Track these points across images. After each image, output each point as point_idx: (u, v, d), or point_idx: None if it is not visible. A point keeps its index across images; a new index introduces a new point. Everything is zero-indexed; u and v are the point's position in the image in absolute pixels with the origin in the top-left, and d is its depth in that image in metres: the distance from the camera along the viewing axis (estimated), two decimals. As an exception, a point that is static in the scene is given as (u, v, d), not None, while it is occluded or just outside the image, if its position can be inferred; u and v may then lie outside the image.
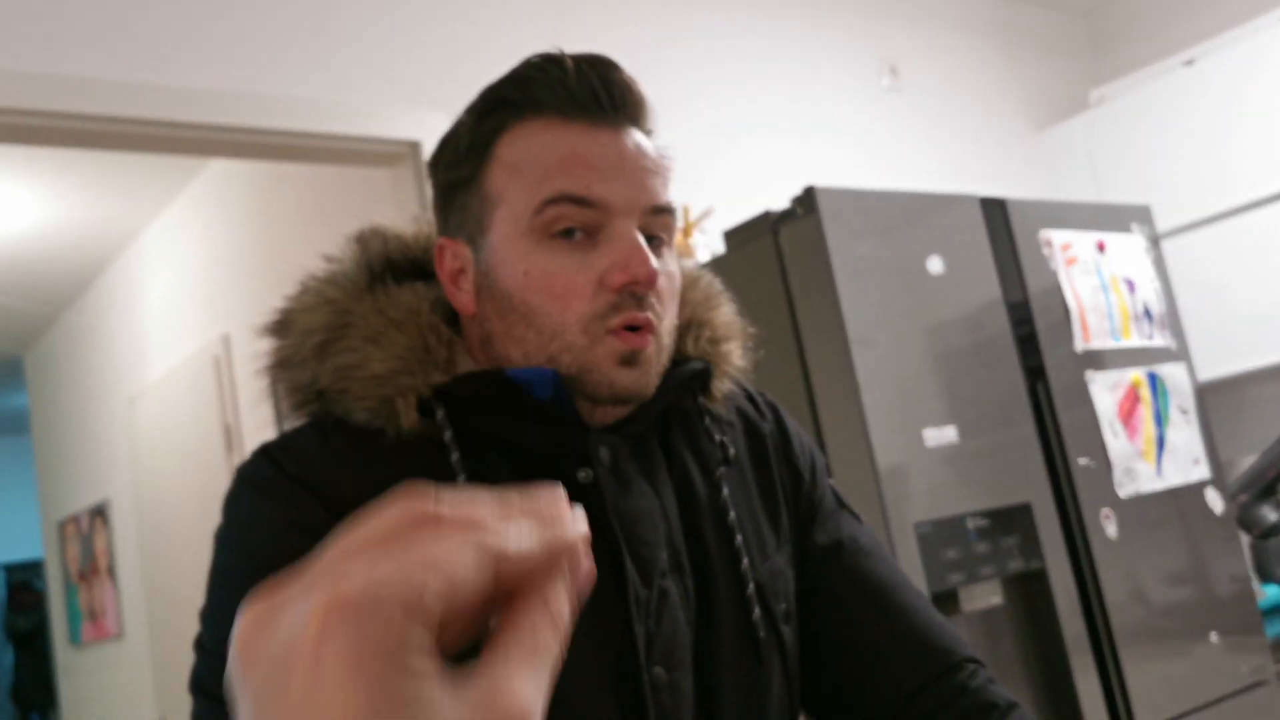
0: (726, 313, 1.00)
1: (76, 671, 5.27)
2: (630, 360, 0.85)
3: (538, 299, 0.85)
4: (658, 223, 0.87)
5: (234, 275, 3.81)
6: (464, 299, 0.89)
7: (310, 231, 3.27)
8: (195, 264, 4.10)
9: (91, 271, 4.78)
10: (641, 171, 0.86)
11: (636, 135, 0.88)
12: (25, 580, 7.75)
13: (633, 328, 0.85)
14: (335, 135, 2.33)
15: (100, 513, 4.83)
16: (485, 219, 0.87)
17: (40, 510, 5.62)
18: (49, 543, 5.51)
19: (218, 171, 3.90)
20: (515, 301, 0.85)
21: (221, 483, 3.86)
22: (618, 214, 0.84)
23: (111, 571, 4.74)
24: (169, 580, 4.08)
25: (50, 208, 4.10)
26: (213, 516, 0.86)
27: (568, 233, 0.84)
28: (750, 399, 1.05)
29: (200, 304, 4.04)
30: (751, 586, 0.91)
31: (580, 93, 0.85)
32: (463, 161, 0.88)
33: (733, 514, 0.93)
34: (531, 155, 0.85)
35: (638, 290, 0.84)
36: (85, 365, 5.02)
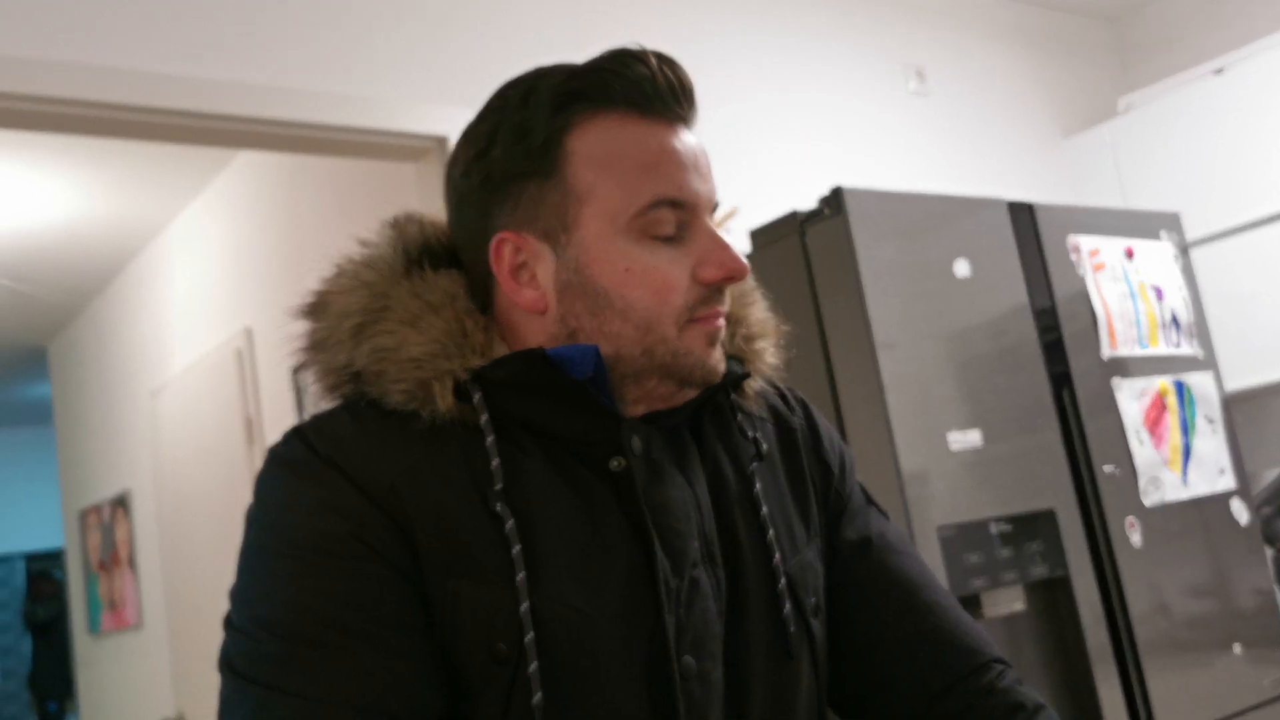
0: (761, 309, 1.01)
1: (94, 661, 5.31)
2: (713, 341, 0.89)
3: (637, 294, 0.86)
4: (712, 218, 0.90)
5: (258, 269, 3.83)
6: (531, 295, 0.88)
7: (334, 226, 3.29)
8: (220, 257, 4.12)
9: (117, 263, 4.82)
10: (708, 169, 0.90)
11: (694, 132, 0.91)
12: (45, 570, 7.80)
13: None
14: (363, 129, 2.33)
15: (121, 503, 4.86)
16: (570, 215, 0.86)
17: (61, 500, 5.66)
18: (69, 532, 5.54)
19: (243, 166, 3.92)
20: (612, 298, 0.86)
21: (242, 475, 3.87)
22: (700, 211, 0.88)
23: (132, 561, 4.76)
24: (188, 571, 4.10)
25: (78, 199, 4.13)
26: (233, 509, 0.86)
27: (662, 231, 0.86)
28: (780, 395, 1.05)
29: (224, 297, 4.06)
30: (783, 581, 0.91)
31: (661, 90, 0.87)
32: (535, 153, 0.87)
33: (765, 509, 0.93)
34: (620, 152, 0.86)
35: (731, 284, 0.88)
36: (108, 356, 5.06)
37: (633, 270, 0.85)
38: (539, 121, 0.86)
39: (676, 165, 0.86)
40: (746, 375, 0.95)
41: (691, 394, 0.90)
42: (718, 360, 0.89)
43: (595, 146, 0.86)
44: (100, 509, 5.11)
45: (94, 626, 5.21)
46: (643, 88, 0.86)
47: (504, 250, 0.88)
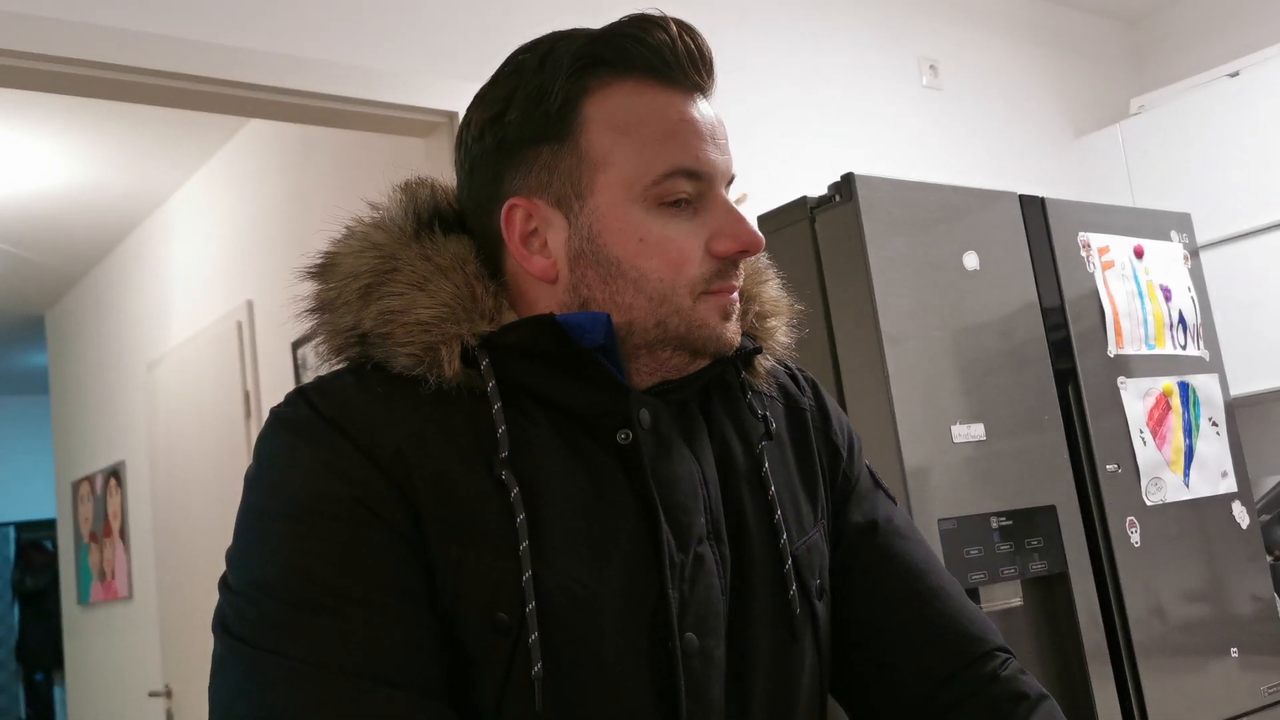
0: (774, 288, 1.00)
1: (82, 631, 5.30)
2: (728, 314, 0.87)
3: (651, 265, 0.84)
4: (729, 191, 0.89)
5: (261, 242, 3.81)
6: (541, 264, 0.87)
7: (340, 201, 3.26)
8: (223, 229, 4.10)
9: (119, 232, 4.79)
10: (725, 140, 0.88)
11: (711, 103, 0.89)
12: (36, 540, 7.79)
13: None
14: (374, 102, 2.31)
15: (115, 474, 4.85)
16: (584, 181, 0.85)
17: (55, 470, 5.64)
18: (62, 502, 5.53)
19: (249, 138, 3.90)
20: (625, 267, 0.84)
21: (239, 449, 3.84)
22: (716, 182, 0.86)
23: (124, 533, 4.75)
24: (181, 545, 4.09)
25: (82, 165, 4.11)
26: (229, 483, 0.85)
27: (677, 201, 0.85)
28: (791, 375, 1.03)
29: (226, 269, 4.04)
30: (789, 563, 0.90)
31: (683, 58, 0.85)
32: (551, 117, 0.85)
33: (773, 488, 0.91)
34: (637, 119, 0.84)
35: (745, 257, 0.87)
36: (107, 326, 5.04)
37: (647, 240, 0.84)
38: (556, 85, 0.85)
39: (694, 134, 0.85)
40: (758, 350, 0.94)
41: (705, 363, 0.89)
42: (734, 333, 0.88)
43: (613, 113, 0.84)
44: (93, 479, 5.09)
45: (84, 597, 5.20)
46: (662, 54, 0.84)
47: (515, 216, 0.87)
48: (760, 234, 0.87)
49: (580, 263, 0.86)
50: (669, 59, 0.85)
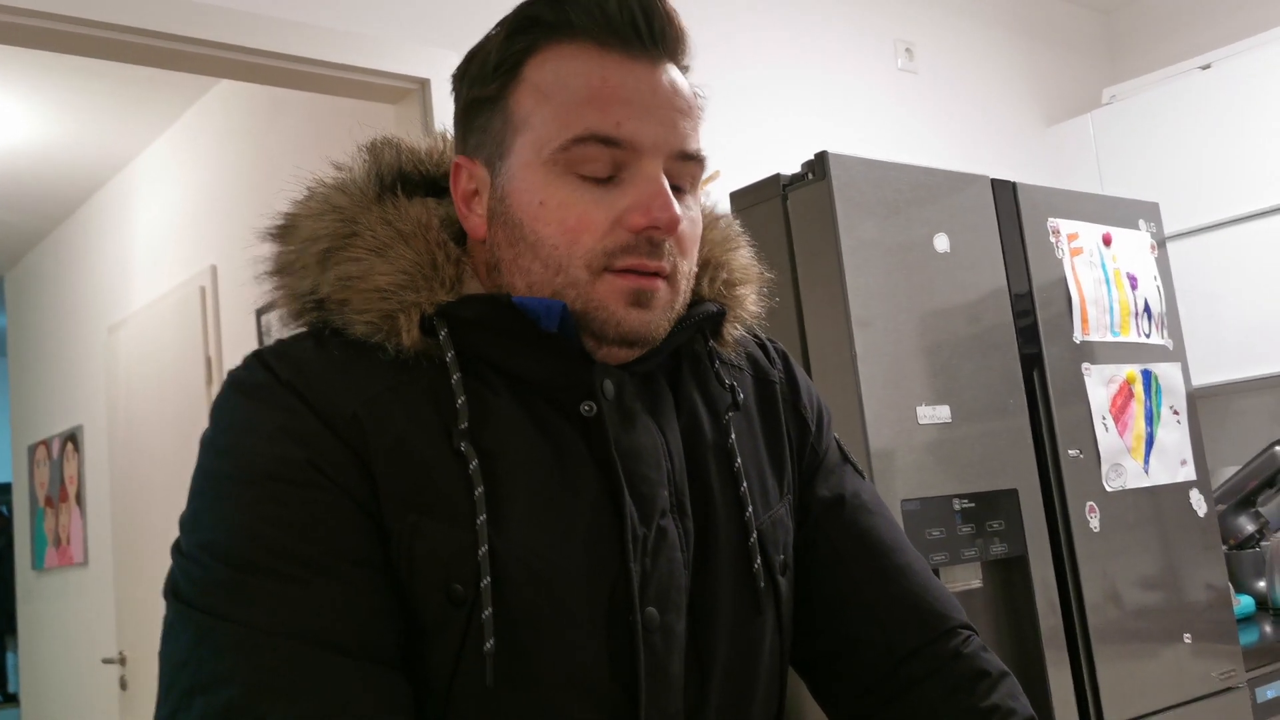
0: (744, 256, 0.98)
1: (36, 597, 5.23)
2: (640, 301, 0.81)
3: (548, 230, 0.81)
4: (684, 170, 0.84)
5: (226, 206, 3.76)
6: (475, 222, 0.86)
7: (307, 167, 3.22)
8: (187, 192, 4.04)
9: (82, 192, 4.70)
10: (674, 112, 0.83)
11: (673, 72, 0.84)
12: (-9, 503, 7.67)
13: (642, 272, 0.81)
14: (345, 66, 2.27)
15: (72, 438, 4.78)
16: (506, 142, 0.84)
17: (11, 433, 5.56)
18: (18, 465, 5.45)
19: (217, 100, 3.84)
20: (525, 231, 0.82)
21: (200, 416, 3.80)
22: (645, 154, 0.81)
23: (80, 499, 4.69)
24: (139, 512, 4.04)
25: (45, 123, 4.02)
26: (188, 451, 0.83)
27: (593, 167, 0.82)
28: (761, 345, 1.02)
29: (190, 233, 3.98)
30: (754, 536, 0.89)
31: (620, 20, 0.81)
32: (489, 78, 0.85)
33: (739, 460, 0.90)
34: (562, 82, 0.81)
35: (657, 236, 0.81)
36: (67, 288, 4.95)
37: (546, 204, 0.81)
38: (496, 46, 0.85)
39: (619, 101, 0.80)
40: (722, 313, 0.92)
41: (625, 354, 0.85)
42: (643, 321, 0.82)
43: (545, 75, 0.82)
44: (50, 444, 5.02)
45: (38, 562, 5.13)
46: (599, 16, 0.81)
47: (460, 176, 0.87)
48: (676, 213, 0.80)
49: (494, 222, 0.85)
50: (601, 21, 0.81)
